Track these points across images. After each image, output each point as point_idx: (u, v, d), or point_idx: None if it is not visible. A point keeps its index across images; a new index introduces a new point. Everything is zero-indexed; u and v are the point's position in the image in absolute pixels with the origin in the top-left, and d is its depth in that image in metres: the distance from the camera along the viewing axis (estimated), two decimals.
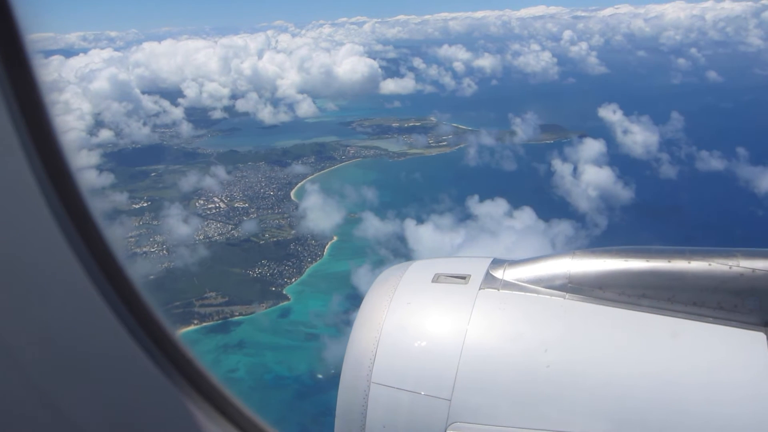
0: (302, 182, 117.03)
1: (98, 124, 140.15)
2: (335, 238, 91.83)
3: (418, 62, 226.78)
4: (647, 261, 3.02)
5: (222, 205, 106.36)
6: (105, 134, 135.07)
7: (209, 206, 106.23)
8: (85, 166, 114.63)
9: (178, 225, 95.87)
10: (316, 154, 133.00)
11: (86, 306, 1.86)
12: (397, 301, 3.15)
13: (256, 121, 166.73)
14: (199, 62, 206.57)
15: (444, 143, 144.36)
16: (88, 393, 1.96)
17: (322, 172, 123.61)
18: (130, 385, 2.07)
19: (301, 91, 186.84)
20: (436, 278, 3.31)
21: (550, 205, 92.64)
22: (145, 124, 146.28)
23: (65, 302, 1.84)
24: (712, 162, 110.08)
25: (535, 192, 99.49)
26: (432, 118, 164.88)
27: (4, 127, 1.57)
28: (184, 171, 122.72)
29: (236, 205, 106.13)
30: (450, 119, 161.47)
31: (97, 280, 1.84)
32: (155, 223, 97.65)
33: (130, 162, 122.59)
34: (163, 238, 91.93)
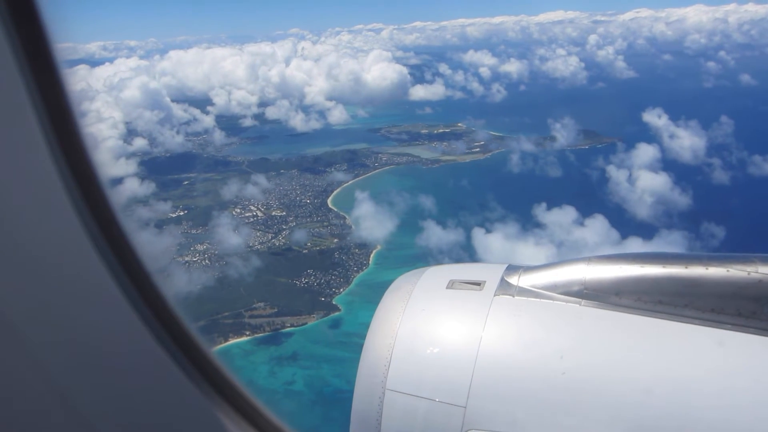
0: (338, 190, 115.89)
1: (131, 132, 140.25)
2: (379, 246, 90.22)
3: (444, 68, 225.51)
4: (664, 267, 2.95)
5: (259, 213, 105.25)
6: (138, 143, 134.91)
7: (247, 215, 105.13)
8: (123, 174, 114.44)
9: (218, 234, 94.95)
10: (348, 162, 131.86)
11: (109, 307, 1.88)
12: (412, 307, 3.14)
13: (285, 129, 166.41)
14: (226, 70, 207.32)
15: (477, 150, 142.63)
16: (108, 394, 1.96)
17: (357, 179, 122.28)
18: (152, 387, 2.08)
19: (330, 98, 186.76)
20: (451, 284, 3.27)
21: (608, 210, 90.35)
22: (178, 132, 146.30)
23: (89, 303, 1.86)
24: (766, 166, 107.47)
25: (587, 197, 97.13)
26: (461, 125, 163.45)
27: (33, 132, 1.60)
28: (217, 179, 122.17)
29: (274, 213, 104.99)
30: (479, 125, 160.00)
31: (121, 281, 1.86)
32: (195, 232, 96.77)
33: (162, 170, 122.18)
34: (205, 247, 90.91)
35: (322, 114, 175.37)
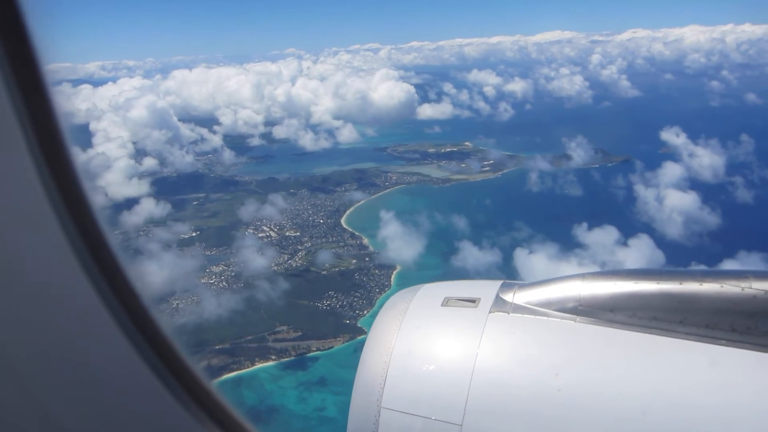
0: (351, 209, 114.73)
1: (140, 152, 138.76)
2: (398, 267, 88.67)
3: (448, 87, 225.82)
4: (658, 283, 2.97)
5: (273, 234, 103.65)
6: (147, 162, 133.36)
7: (260, 235, 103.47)
8: (136, 194, 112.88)
9: (234, 255, 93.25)
10: (357, 181, 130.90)
11: (88, 316, 1.88)
12: (407, 325, 3.13)
13: (290, 148, 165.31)
14: (231, 89, 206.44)
15: (487, 169, 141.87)
16: (89, 409, 1.97)
17: (369, 199, 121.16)
18: (130, 396, 2.07)
19: (336, 117, 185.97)
20: (446, 302, 3.27)
21: (639, 229, 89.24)
22: (187, 152, 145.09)
23: (67, 312, 1.86)
24: None
25: (613, 216, 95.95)
26: (468, 144, 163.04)
27: (19, 148, 1.60)
28: (227, 199, 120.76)
29: (288, 233, 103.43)
30: (487, 144, 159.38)
31: (101, 289, 1.86)
32: (209, 253, 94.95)
33: (171, 191, 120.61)
34: (221, 268, 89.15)
35: (328, 133, 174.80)
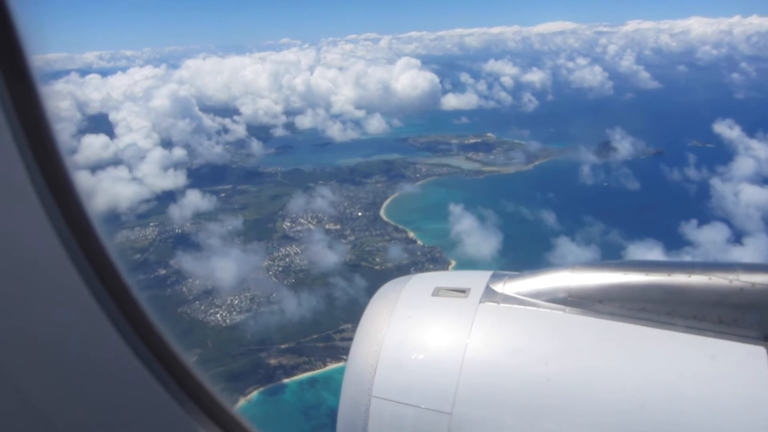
0: (387, 201, 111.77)
1: (165, 143, 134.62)
2: (453, 262, 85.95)
3: (465, 77, 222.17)
4: (647, 274, 3.02)
5: (312, 227, 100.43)
6: (168, 154, 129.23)
7: (298, 228, 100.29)
8: (173, 187, 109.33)
9: (275, 249, 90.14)
10: (385, 173, 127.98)
11: (79, 309, 1.88)
12: (398, 315, 3.17)
13: (310, 138, 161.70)
14: (247, 79, 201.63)
15: (516, 160, 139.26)
16: (81, 405, 1.98)
17: (404, 191, 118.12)
18: (121, 390, 2.08)
19: (358, 107, 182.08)
20: (437, 292, 3.30)
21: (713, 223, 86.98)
22: (216, 142, 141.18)
23: (60, 310, 1.86)
24: None
25: (683, 209, 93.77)
26: (490, 134, 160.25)
27: (7, 144, 1.60)
28: (254, 191, 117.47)
29: (327, 227, 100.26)
30: (509, 135, 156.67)
31: (92, 285, 1.87)
32: (248, 247, 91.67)
33: (195, 183, 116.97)
34: (266, 263, 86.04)
35: (349, 123, 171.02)
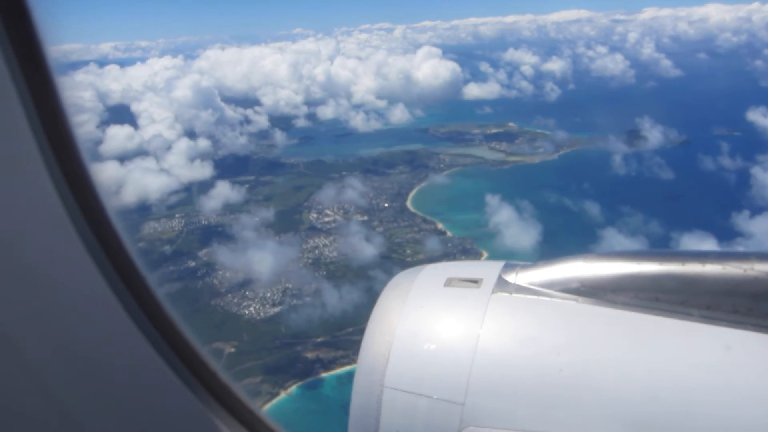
0: (413, 192, 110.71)
1: (188, 134, 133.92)
2: (485, 253, 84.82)
3: (485, 66, 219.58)
4: (660, 264, 2.98)
5: (339, 218, 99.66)
6: (182, 145, 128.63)
7: (326, 220, 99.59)
8: (202, 177, 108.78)
9: (305, 241, 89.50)
10: (408, 163, 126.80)
11: (102, 310, 1.90)
12: (410, 305, 3.12)
13: (330, 129, 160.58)
14: (267, 69, 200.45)
15: (541, 150, 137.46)
16: (104, 401, 2.01)
17: (429, 182, 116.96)
18: (148, 393, 2.12)
19: (379, 97, 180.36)
20: (449, 282, 3.25)
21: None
22: (241, 133, 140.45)
23: (83, 309, 1.89)
24: None
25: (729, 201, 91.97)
26: (511, 124, 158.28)
27: (25, 136, 1.61)
28: (277, 182, 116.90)
29: (355, 218, 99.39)
30: (532, 125, 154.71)
31: (114, 284, 1.89)
32: (277, 238, 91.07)
33: (219, 175, 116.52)
34: (297, 255, 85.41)
35: (370, 114, 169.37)
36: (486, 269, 3.28)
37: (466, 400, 2.70)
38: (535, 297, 3.01)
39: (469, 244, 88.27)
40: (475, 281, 3.18)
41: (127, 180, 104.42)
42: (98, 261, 1.80)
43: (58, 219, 1.71)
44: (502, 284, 3.10)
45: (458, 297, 3.11)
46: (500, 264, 3.27)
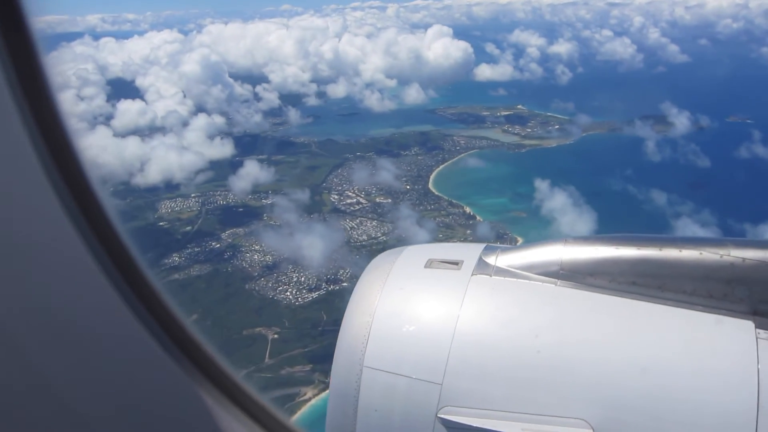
0: (433, 174, 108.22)
1: (199, 110, 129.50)
2: (520, 239, 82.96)
3: (491, 48, 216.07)
4: (638, 249, 3.05)
5: (362, 200, 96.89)
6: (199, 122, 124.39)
7: (348, 202, 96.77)
8: (222, 156, 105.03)
9: (331, 223, 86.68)
10: (421, 145, 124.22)
11: (102, 304, 1.88)
12: (390, 286, 3.17)
13: (337, 108, 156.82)
14: (272, 45, 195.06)
15: (554, 133, 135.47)
16: (105, 394, 1.98)
17: (447, 164, 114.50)
18: (149, 384, 2.10)
19: (388, 76, 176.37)
20: (429, 264, 3.30)
21: None
22: (255, 111, 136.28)
23: (81, 301, 1.86)
24: None
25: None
26: (521, 107, 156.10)
27: (13, 121, 1.55)
28: (291, 161, 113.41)
29: (378, 200, 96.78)
30: (542, 108, 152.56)
31: (112, 276, 1.85)
32: (302, 220, 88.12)
33: (235, 153, 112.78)
34: (325, 238, 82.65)
35: (377, 93, 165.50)
36: (467, 251, 3.32)
37: (445, 381, 2.75)
38: (514, 279, 3.07)
39: (502, 228, 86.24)
40: (455, 263, 3.20)
41: (148, 157, 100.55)
42: (96, 254, 1.75)
43: (53, 213, 1.65)
44: (482, 266, 3.14)
45: (438, 278, 3.15)
46: (481, 246, 3.35)
